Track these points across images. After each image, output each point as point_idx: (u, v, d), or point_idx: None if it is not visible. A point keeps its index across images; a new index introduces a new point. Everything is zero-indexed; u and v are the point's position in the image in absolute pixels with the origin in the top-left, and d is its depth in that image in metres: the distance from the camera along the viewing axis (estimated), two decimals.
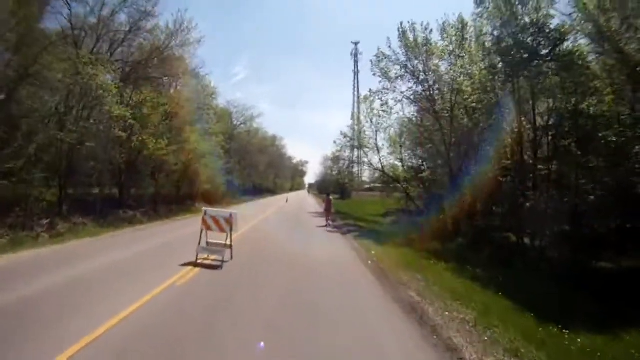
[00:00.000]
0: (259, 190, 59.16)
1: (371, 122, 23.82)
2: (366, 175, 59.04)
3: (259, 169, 52.55)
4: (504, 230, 16.94)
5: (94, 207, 16.00)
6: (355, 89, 64.07)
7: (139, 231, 14.58)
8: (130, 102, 17.98)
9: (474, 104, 16.70)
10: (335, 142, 27.52)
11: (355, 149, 29.32)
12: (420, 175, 24.59)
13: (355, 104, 61.77)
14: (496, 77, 15.17)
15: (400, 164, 25.17)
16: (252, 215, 22.15)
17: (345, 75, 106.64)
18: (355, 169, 51.32)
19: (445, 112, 19.57)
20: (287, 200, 44.89)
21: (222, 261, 8.69)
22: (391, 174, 24.15)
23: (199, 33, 21.14)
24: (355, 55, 66.06)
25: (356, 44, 66.50)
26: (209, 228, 9.15)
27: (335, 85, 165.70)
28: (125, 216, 16.85)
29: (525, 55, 13.10)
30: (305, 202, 49.61)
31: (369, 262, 10.15)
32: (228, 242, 9.15)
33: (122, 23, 18.96)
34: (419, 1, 64.96)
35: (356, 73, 65.61)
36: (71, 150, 14.06)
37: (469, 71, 16.99)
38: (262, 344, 4.53)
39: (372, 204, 42.16)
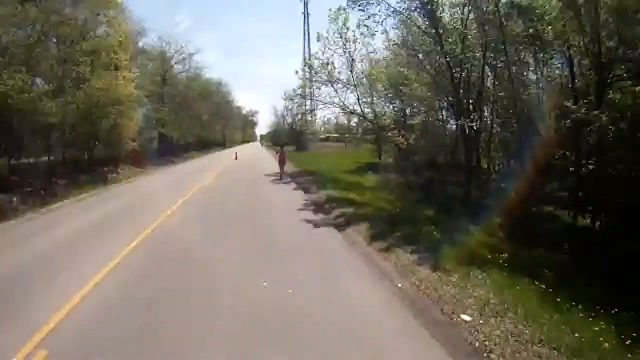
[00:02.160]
0: (204, 144, 52.11)
1: (344, 47, 17.84)
2: (319, 124, 53.86)
3: (202, 118, 45.06)
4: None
5: None
6: (306, 30, 56.46)
7: None
8: None
9: None
10: (297, 72, 20.29)
11: (316, 89, 23.05)
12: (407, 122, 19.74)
13: (306, 43, 54.86)
14: None
15: (385, 107, 20.21)
16: (174, 190, 14.59)
17: (296, 24, 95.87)
18: (309, 117, 45.72)
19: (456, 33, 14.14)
20: (236, 157, 35.94)
21: None
22: (371, 118, 18.92)
23: None
24: None
25: None
26: None
27: (286, 35, 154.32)
28: None
29: None
30: (260, 159, 39.83)
31: None
32: None
33: None
34: None
35: (306, 16, 57.49)
36: None
37: None
38: None
39: (337, 157, 36.92)
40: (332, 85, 18.87)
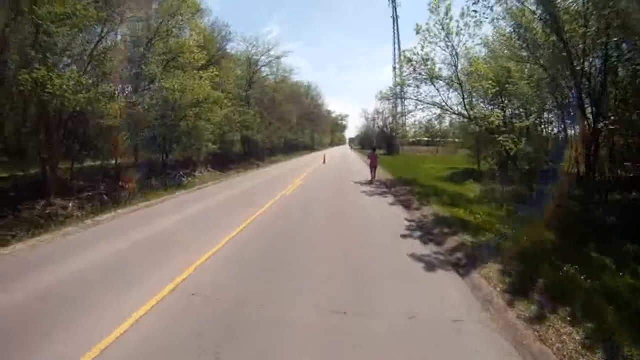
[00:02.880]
0: (292, 147, 51.75)
1: (447, 39, 14.84)
2: (415, 126, 50.13)
3: (290, 121, 44.40)
4: None
5: None
6: (395, 33, 54.02)
7: None
8: None
9: None
10: (394, 68, 18.17)
11: (415, 87, 19.99)
12: (514, 125, 15.85)
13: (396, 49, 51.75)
14: None
15: (487, 108, 16.60)
16: (245, 203, 12.37)
17: (384, 32, 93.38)
18: (401, 119, 42.28)
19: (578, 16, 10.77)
20: (324, 161, 33.18)
21: None
22: (479, 119, 15.44)
23: None
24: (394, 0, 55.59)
25: None
26: None
27: (374, 42, 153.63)
28: (42, 212, 9.82)
29: None
30: (350, 163, 36.18)
31: None
32: None
33: None
34: None
35: (395, 19, 54.95)
36: None
37: None
38: None
39: (429, 162, 34.03)
40: (433, 83, 16.40)
